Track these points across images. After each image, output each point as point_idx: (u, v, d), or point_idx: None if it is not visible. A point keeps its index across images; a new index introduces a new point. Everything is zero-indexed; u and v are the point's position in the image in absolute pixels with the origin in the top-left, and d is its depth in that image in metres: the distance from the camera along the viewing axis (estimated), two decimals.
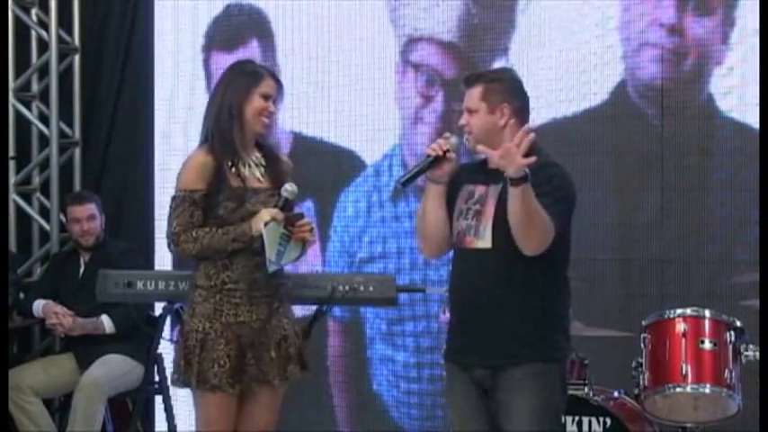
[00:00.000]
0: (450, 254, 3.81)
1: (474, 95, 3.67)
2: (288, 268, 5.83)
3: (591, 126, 5.30)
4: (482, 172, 3.70)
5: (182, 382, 3.95)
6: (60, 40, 6.34)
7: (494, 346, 3.62)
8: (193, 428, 4.12)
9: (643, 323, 4.45)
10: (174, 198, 3.93)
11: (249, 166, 3.97)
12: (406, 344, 5.70)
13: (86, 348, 5.42)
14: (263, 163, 4.01)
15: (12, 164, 6.34)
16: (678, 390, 4.28)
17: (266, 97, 3.95)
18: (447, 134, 3.70)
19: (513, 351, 3.60)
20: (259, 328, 3.92)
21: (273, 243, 3.86)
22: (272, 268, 3.88)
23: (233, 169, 3.93)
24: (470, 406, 3.69)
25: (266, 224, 3.82)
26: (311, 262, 5.90)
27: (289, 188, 3.91)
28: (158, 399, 5.61)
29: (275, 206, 3.88)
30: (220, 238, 3.85)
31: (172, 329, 5.17)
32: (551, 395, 3.64)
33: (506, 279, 3.59)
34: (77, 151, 6.48)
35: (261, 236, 3.82)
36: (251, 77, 3.97)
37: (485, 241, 3.61)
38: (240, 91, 3.93)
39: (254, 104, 3.93)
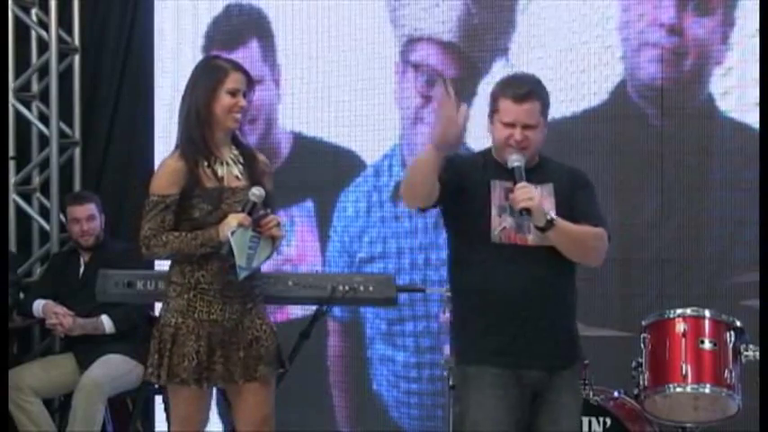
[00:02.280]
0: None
1: (535, 111, 3.64)
2: (287, 268, 5.85)
3: (591, 126, 5.29)
4: (504, 169, 3.65)
5: (155, 375, 3.96)
6: (60, 40, 6.35)
7: (554, 348, 3.66)
8: None
9: (643, 323, 4.45)
10: (147, 202, 3.92)
11: (227, 164, 3.95)
12: (406, 344, 5.70)
13: (86, 348, 5.43)
14: (241, 161, 3.99)
15: (12, 164, 6.34)
16: (678, 390, 4.28)
17: (234, 93, 3.89)
18: (516, 157, 3.60)
19: (567, 351, 3.70)
20: (231, 328, 3.93)
21: (243, 248, 3.84)
22: (243, 274, 3.87)
23: (209, 170, 3.91)
24: (504, 407, 3.62)
25: (233, 232, 3.79)
26: (311, 262, 5.90)
27: (256, 192, 3.85)
28: (158, 399, 5.61)
29: (242, 210, 3.84)
30: (189, 243, 3.85)
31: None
32: (581, 393, 3.89)
33: (563, 276, 3.66)
34: (77, 151, 6.48)
35: (229, 242, 3.80)
36: (215, 75, 3.90)
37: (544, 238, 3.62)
38: (206, 91, 3.89)
39: (222, 103, 3.88)
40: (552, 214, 3.53)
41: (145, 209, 3.93)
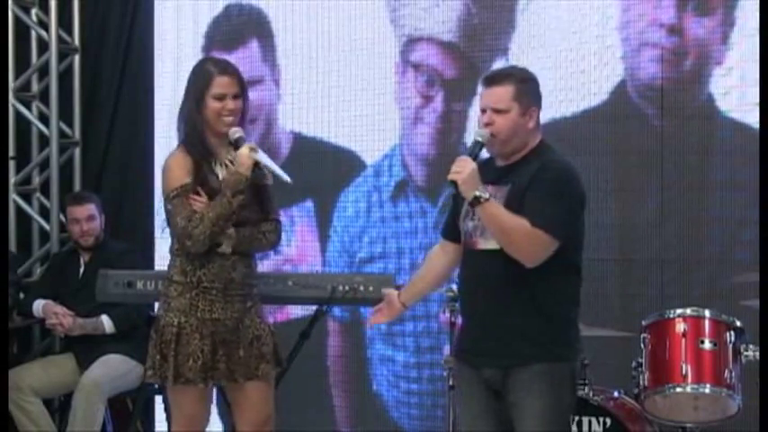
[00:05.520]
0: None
1: (504, 94, 3.59)
2: (287, 268, 5.85)
3: (591, 126, 5.29)
4: (493, 171, 3.65)
5: (158, 377, 3.96)
6: (60, 40, 6.35)
7: (503, 347, 3.59)
8: None
9: (643, 323, 4.45)
10: (168, 202, 3.93)
11: (225, 165, 3.98)
12: (406, 344, 5.70)
13: (86, 348, 5.43)
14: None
15: (12, 164, 6.34)
16: (678, 390, 4.28)
17: (220, 97, 3.92)
18: (477, 131, 3.63)
19: (522, 351, 3.57)
20: (233, 327, 3.95)
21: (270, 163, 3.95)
22: (286, 178, 3.93)
23: (210, 170, 3.96)
24: (477, 405, 3.68)
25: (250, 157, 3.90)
26: (311, 262, 5.90)
27: (236, 129, 3.94)
28: (158, 399, 5.62)
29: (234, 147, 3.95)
30: (221, 203, 3.86)
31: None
32: (560, 395, 3.61)
33: (515, 280, 3.55)
34: (77, 151, 6.48)
35: (258, 163, 3.89)
36: (201, 81, 3.95)
37: (493, 242, 3.57)
38: (195, 98, 3.94)
39: (210, 108, 3.93)
40: (485, 195, 3.47)
41: (171, 209, 3.92)
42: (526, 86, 3.63)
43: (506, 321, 3.58)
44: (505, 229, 3.50)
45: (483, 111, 3.64)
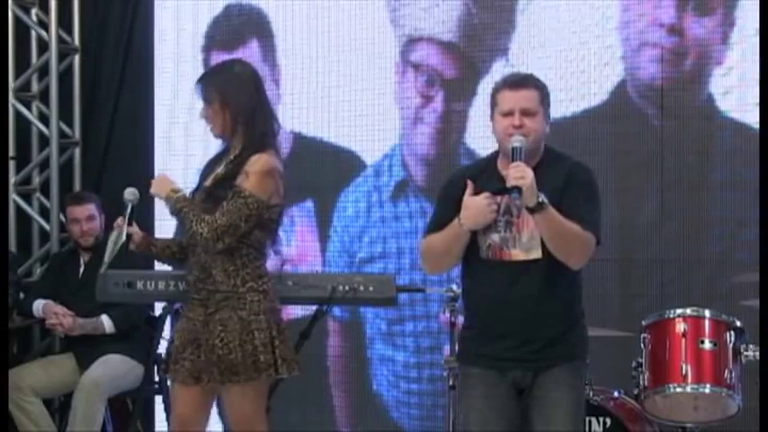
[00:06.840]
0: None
1: (533, 97, 3.62)
2: (288, 268, 5.84)
3: (591, 126, 5.30)
4: (501, 180, 3.60)
5: None
6: (60, 40, 6.35)
7: (539, 353, 3.63)
8: None
9: (643, 323, 4.46)
10: None
11: (226, 164, 4.04)
12: (406, 344, 5.70)
13: (86, 348, 5.42)
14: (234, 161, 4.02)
15: (12, 164, 6.34)
16: (678, 390, 4.28)
17: None
18: (516, 138, 3.57)
19: (556, 354, 3.64)
20: (200, 329, 3.94)
21: (110, 246, 4.09)
22: (102, 268, 4.12)
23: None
24: (491, 407, 3.67)
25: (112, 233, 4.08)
26: (311, 262, 5.90)
27: (131, 191, 4.09)
28: (158, 399, 5.61)
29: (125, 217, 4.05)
30: None
31: (172, 329, 5.17)
32: (582, 390, 3.77)
33: (552, 287, 3.60)
34: (77, 151, 6.48)
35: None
36: None
37: (533, 252, 3.58)
38: None
39: None
40: (546, 199, 3.47)
41: None
42: (546, 93, 3.69)
43: (544, 329, 3.62)
44: (565, 233, 3.51)
45: (508, 114, 3.60)
